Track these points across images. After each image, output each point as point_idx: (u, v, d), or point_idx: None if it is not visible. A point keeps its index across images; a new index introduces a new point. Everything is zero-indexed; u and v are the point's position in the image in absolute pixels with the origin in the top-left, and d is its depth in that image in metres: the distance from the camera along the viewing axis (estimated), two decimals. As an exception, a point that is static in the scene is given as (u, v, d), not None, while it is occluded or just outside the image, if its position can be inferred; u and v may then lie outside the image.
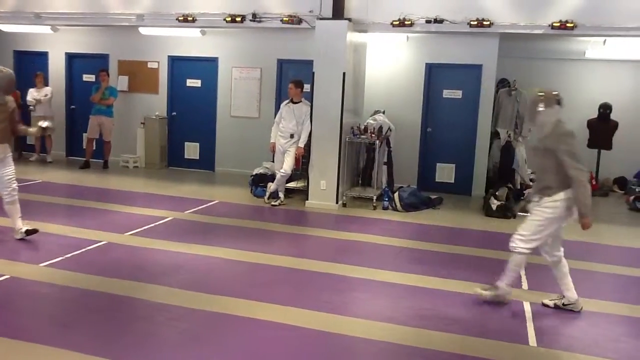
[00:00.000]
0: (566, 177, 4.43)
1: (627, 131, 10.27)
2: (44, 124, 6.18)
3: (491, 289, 4.86)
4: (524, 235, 4.62)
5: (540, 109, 4.57)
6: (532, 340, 4.21)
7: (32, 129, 6.41)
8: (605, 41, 8.86)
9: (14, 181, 5.93)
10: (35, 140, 11.39)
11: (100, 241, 6.13)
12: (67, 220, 7.03)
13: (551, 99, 4.59)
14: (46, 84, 11.31)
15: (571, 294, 4.75)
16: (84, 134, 11.19)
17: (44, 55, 11.93)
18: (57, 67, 11.88)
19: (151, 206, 7.94)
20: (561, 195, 4.48)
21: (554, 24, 7.92)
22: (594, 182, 10.37)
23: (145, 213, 7.52)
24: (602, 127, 10.44)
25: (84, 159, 10.96)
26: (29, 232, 6.00)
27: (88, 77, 11.64)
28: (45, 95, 11.08)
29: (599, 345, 4.19)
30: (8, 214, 5.99)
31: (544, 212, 4.54)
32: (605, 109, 10.36)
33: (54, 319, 4.29)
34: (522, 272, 5.73)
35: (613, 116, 10.39)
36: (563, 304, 4.79)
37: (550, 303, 4.84)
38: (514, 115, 9.79)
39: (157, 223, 7.05)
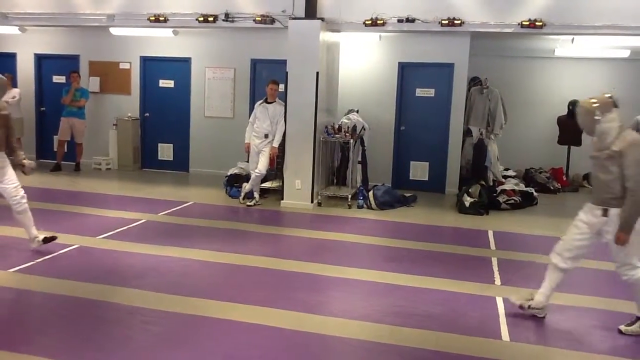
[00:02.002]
0: None
1: (596, 128, 10.43)
2: (31, 164, 5.81)
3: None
4: (633, 263, 4.19)
5: (598, 117, 4.11)
6: (505, 335, 4.27)
7: (21, 156, 5.83)
8: (573, 39, 9.03)
9: (20, 189, 5.57)
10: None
11: (72, 245, 6.04)
12: (37, 225, 6.83)
13: (607, 104, 4.14)
14: (14, 86, 11.10)
15: None
16: (55, 137, 11.01)
17: (12, 57, 11.67)
18: (26, 68, 11.65)
19: (124, 208, 7.84)
20: None
21: (524, 23, 8.05)
22: (564, 178, 10.57)
23: (118, 215, 7.43)
24: (572, 124, 10.49)
25: (55, 161, 10.77)
26: (46, 240, 5.75)
27: (58, 79, 11.47)
28: (14, 97, 10.85)
29: (569, 338, 4.28)
30: (20, 224, 5.69)
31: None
32: (574, 106, 10.52)
33: (25, 325, 4.21)
34: (495, 268, 5.85)
35: (582, 113, 10.58)
36: None
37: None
38: (486, 113, 9.90)
39: (130, 225, 6.98)
